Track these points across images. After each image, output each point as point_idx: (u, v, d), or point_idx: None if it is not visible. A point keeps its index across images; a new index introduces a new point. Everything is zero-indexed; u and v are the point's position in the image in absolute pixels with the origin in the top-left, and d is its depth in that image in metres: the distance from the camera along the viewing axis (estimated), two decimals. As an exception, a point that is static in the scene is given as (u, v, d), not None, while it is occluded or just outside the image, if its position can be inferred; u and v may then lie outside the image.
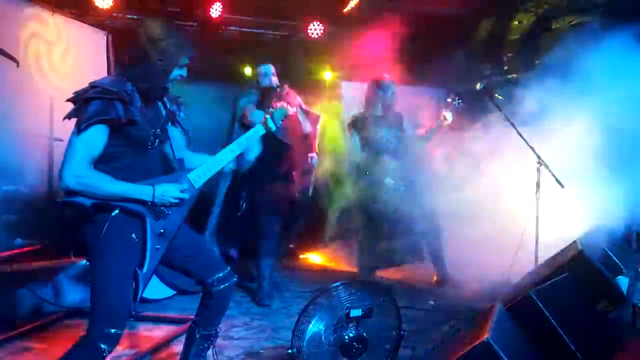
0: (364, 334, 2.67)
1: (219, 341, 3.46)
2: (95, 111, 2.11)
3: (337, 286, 2.70)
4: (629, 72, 3.79)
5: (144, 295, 4.14)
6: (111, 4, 4.91)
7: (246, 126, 4.05)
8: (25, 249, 3.90)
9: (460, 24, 5.28)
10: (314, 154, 4.70)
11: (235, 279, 2.60)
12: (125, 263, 2.18)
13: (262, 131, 2.71)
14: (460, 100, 4.60)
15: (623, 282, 3.65)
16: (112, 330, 2.12)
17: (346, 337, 2.65)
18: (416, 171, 4.50)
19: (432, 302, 4.09)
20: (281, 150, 4.38)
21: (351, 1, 5.49)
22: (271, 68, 4.49)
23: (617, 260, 3.66)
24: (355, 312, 2.64)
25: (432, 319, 3.78)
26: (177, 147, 2.43)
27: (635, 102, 3.78)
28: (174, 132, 2.46)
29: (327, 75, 6.37)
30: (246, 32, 5.81)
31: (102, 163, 2.19)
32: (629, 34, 3.75)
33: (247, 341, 3.55)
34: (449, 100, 4.60)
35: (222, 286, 2.51)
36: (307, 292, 4.54)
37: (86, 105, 2.12)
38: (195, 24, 5.54)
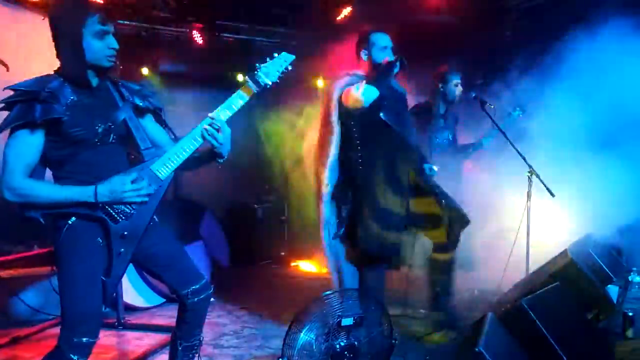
0: (355, 343, 2.67)
1: (209, 350, 3.48)
2: (13, 117, 1.99)
3: (328, 295, 2.69)
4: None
5: (133, 303, 4.23)
6: (103, 10, 4.89)
7: (348, 114, 3.20)
8: (14, 255, 3.85)
9: (452, 32, 5.30)
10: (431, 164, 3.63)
11: (211, 291, 2.45)
12: (90, 268, 2.08)
13: (244, 98, 2.26)
14: (521, 112, 4.26)
15: (613, 291, 3.67)
16: (84, 339, 2.03)
17: (337, 346, 2.64)
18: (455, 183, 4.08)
19: (422, 310, 4.06)
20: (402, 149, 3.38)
21: (344, 9, 5.51)
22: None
23: (607, 269, 3.68)
24: (347, 321, 2.63)
25: (423, 327, 3.76)
26: (142, 138, 2.22)
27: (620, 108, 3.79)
28: (143, 123, 2.30)
29: (319, 83, 6.37)
30: (239, 39, 5.81)
31: (55, 169, 2.11)
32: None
33: (237, 350, 3.52)
34: (510, 111, 4.29)
35: (196, 298, 2.36)
36: (299, 300, 4.51)
37: (10, 111, 2.02)
38: (188, 30, 5.53)
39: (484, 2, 5.12)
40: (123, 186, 2.08)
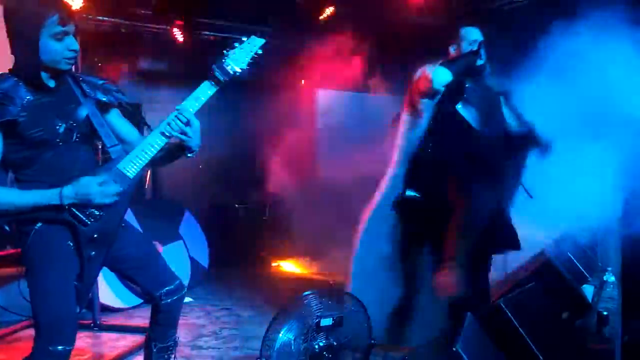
0: (334, 343, 2.66)
1: (187, 351, 3.44)
2: None
3: (307, 295, 2.68)
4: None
5: (109, 304, 4.17)
6: (81, 5, 4.80)
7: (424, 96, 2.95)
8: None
9: (436, 33, 5.34)
10: None
11: (185, 292, 2.39)
12: (61, 274, 2.01)
13: (212, 88, 2.14)
14: None
15: (588, 290, 3.73)
16: (59, 348, 1.96)
17: (316, 346, 2.63)
18: None
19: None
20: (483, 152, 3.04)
21: (327, 9, 5.50)
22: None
23: (582, 270, 3.74)
24: (326, 322, 2.62)
25: (401, 326, 3.77)
26: (107, 135, 2.11)
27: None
28: (109, 119, 2.21)
29: (302, 82, 6.37)
30: (220, 37, 5.77)
31: (17, 172, 2.02)
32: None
33: (215, 351, 3.49)
34: None
35: (170, 300, 2.30)
36: (279, 301, 4.50)
37: None
38: (168, 27, 5.48)
39: (467, 3, 5.14)
40: (89, 188, 1.97)
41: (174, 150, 2.20)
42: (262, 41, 2.19)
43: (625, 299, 3.93)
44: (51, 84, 2.06)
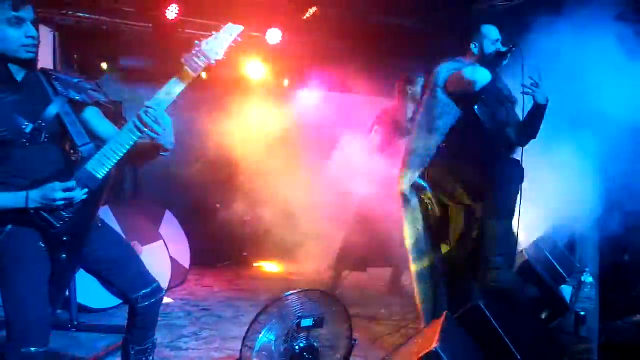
0: (315, 344, 2.66)
1: (166, 352, 3.41)
2: None
3: (288, 296, 2.67)
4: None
5: (88, 304, 4.11)
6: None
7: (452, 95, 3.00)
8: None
9: (417, 35, 5.37)
10: None
11: (163, 294, 2.36)
12: (34, 275, 1.98)
13: (183, 83, 2.04)
14: None
15: (566, 291, 3.77)
16: (32, 349, 1.94)
17: (297, 347, 2.62)
18: None
19: (382, 310, 4.10)
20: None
21: (310, 9, 5.49)
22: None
23: (561, 270, 3.79)
24: (307, 322, 2.62)
25: (384, 327, 3.79)
26: (79, 134, 2.06)
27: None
28: (85, 118, 2.15)
29: (284, 82, 6.35)
30: (203, 36, 5.72)
31: None
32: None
33: (195, 352, 3.46)
34: None
35: (147, 302, 2.27)
36: (260, 301, 4.48)
37: None
38: (151, 25, 5.41)
39: (454, 5, 5.15)
40: (54, 193, 1.92)
41: (148, 149, 2.14)
42: (240, 28, 2.09)
43: (602, 300, 4.01)
44: (19, 77, 2.00)
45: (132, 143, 2.02)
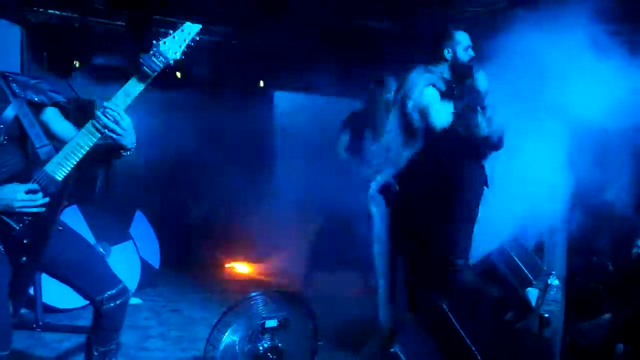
0: (279, 345, 2.66)
1: (132, 352, 3.38)
2: None
3: (254, 296, 2.68)
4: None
5: (53, 304, 4.04)
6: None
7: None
8: None
9: (391, 39, 5.40)
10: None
11: (129, 295, 2.34)
12: None
13: (141, 83, 2.02)
14: None
15: (532, 293, 3.83)
16: None
17: (260, 347, 2.63)
18: None
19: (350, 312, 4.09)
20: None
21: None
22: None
23: (527, 273, 3.84)
24: (271, 323, 2.62)
25: (351, 329, 3.80)
26: (37, 135, 2.04)
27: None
28: (44, 119, 2.14)
29: (260, 83, 6.33)
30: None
31: None
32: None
33: (161, 352, 3.45)
34: None
35: (112, 304, 2.23)
36: (230, 302, 4.46)
37: None
38: (123, 23, 5.36)
39: (429, 8, 5.18)
40: (14, 194, 1.92)
41: (110, 149, 2.12)
42: (197, 27, 2.09)
43: (568, 302, 4.08)
44: None
45: (90, 144, 2.00)
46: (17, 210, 1.94)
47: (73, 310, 4.21)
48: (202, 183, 5.76)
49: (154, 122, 4.91)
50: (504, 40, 3.34)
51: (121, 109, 2.00)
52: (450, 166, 3.07)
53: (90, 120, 2.00)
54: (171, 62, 2.05)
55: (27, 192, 1.94)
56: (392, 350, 1.99)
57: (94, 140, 2.00)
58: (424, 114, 3.00)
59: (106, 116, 1.98)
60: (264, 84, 6.29)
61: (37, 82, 2.16)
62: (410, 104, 3.07)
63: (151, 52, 2.02)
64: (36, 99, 2.10)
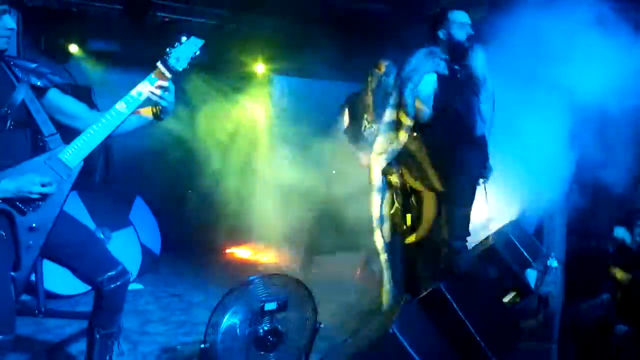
0: (279, 327, 2.67)
1: (134, 336, 3.41)
2: None
3: (253, 279, 2.68)
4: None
5: (55, 291, 4.06)
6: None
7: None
8: None
9: (389, 22, 5.35)
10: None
11: (129, 277, 2.38)
12: None
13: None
14: None
15: (532, 275, 3.85)
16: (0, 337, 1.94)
17: (261, 330, 2.63)
18: None
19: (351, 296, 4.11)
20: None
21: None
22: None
23: (526, 255, 3.85)
24: (270, 305, 2.63)
25: (351, 312, 3.82)
26: (44, 122, 2.08)
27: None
28: (48, 102, 2.17)
29: (259, 68, 6.30)
30: (175, 19, 5.64)
31: None
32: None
33: (163, 337, 3.47)
34: None
35: (112, 285, 2.29)
36: (230, 286, 4.48)
37: None
38: (121, 7, 5.31)
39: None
40: (32, 186, 1.97)
41: (143, 121, 2.27)
42: (201, 42, 2.22)
43: (567, 283, 4.10)
44: None
45: (105, 133, 2.09)
46: (30, 199, 1.98)
47: (74, 297, 4.24)
48: (202, 167, 5.75)
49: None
50: (503, 19, 3.30)
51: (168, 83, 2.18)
52: (448, 149, 3.06)
53: (110, 110, 2.11)
54: (180, 70, 2.20)
55: (44, 185, 1.99)
56: (390, 331, 1.99)
57: (110, 129, 2.10)
58: (422, 100, 2.99)
59: (159, 87, 2.16)
60: (264, 68, 6.26)
61: (36, 66, 2.17)
62: (409, 87, 3.05)
63: (167, 58, 2.18)
64: (39, 83, 2.12)
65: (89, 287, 4.21)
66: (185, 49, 2.18)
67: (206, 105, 5.51)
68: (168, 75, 2.16)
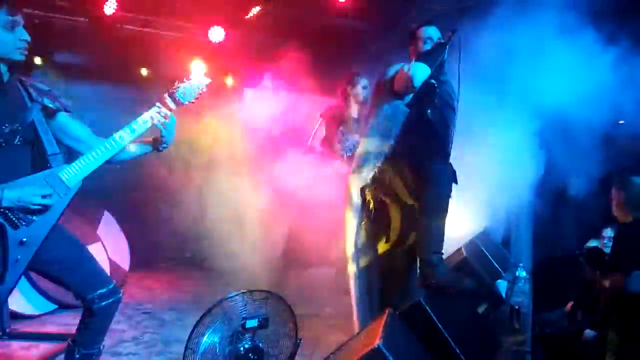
0: (260, 345, 2.65)
1: (106, 357, 3.28)
2: None
3: (232, 296, 2.65)
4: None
5: (20, 310, 3.92)
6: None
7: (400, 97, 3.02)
8: None
9: (362, 36, 5.43)
10: None
11: (120, 295, 2.39)
12: None
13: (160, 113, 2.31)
14: None
15: (502, 285, 3.94)
16: None
17: (241, 348, 2.61)
18: None
19: (328, 309, 4.10)
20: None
21: (254, 8, 5.45)
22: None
23: (496, 265, 3.93)
24: (251, 323, 2.61)
25: (329, 326, 3.82)
26: (50, 142, 2.17)
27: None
28: (57, 125, 2.25)
29: (228, 80, 6.27)
30: (143, 32, 5.57)
31: None
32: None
33: (135, 357, 3.38)
34: None
35: (104, 303, 2.30)
36: (204, 303, 4.40)
37: None
38: (87, 20, 5.21)
39: (396, 6, 5.21)
40: (33, 197, 2.02)
41: (143, 149, 2.38)
42: (208, 81, 2.38)
43: (535, 293, 4.21)
44: (5, 77, 2.09)
45: (106, 155, 2.18)
46: (27, 208, 2.02)
47: (40, 316, 4.09)
48: (172, 181, 5.66)
49: (121, 120, 4.78)
50: (472, 33, 3.36)
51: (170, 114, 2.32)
52: (422, 163, 3.10)
53: (115, 134, 2.20)
54: (186, 104, 2.35)
55: (44, 197, 2.04)
56: (375, 346, 2.00)
57: (111, 152, 2.19)
58: (399, 80, 2.93)
59: (160, 114, 2.29)
60: (233, 80, 6.25)
61: (50, 90, 2.27)
62: (387, 94, 3.03)
63: (174, 91, 2.32)
64: (51, 105, 2.21)
65: (54, 306, 4.15)
66: (193, 87, 2.33)
67: (180, 117, 5.44)
68: (172, 107, 2.31)
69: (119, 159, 2.31)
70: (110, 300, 2.32)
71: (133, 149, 2.36)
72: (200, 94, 2.37)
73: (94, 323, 2.33)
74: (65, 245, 2.26)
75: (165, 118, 2.28)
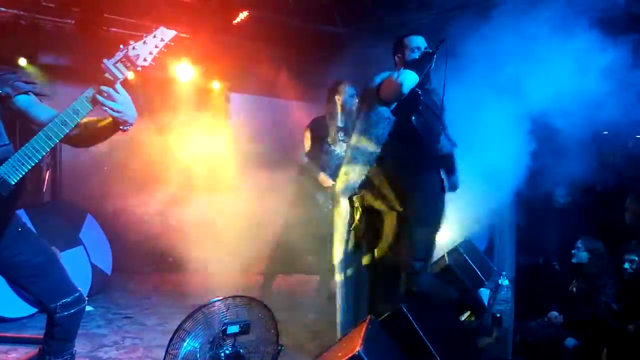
0: (241, 351, 2.64)
1: (85, 363, 3.26)
2: None
3: (214, 302, 2.63)
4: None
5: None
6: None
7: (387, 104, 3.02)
8: None
9: (347, 42, 5.46)
10: None
11: (84, 305, 2.30)
12: None
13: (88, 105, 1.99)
14: None
15: (485, 294, 3.96)
16: None
17: (222, 354, 2.59)
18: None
19: (310, 316, 4.09)
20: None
21: (241, 13, 5.45)
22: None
23: (479, 274, 3.96)
24: (232, 329, 2.59)
25: (311, 333, 3.81)
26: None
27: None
28: (22, 107, 2.07)
29: (214, 85, 6.26)
30: (129, 35, 5.54)
31: None
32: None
33: (117, 362, 3.35)
34: None
35: (66, 313, 2.20)
36: (186, 308, 4.37)
37: None
38: (73, 22, 5.18)
39: (385, 15, 5.23)
40: None
41: (106, 128, 2.07)
42: (172, 33, 2.03)
43: (517, 301, 4.23)
44: None
45: (47, 148, 1.97)
46: None
47: (19, 320, 4.04)
48: (155, 185, 5.62)
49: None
50: (459, 41, 3.38)
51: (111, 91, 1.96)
52: (407, 169, 3.11)
53: (51, 124, 1.95)
54: (138, 68, 1.99)
55: None
56: (356, 353, 2.00)
57: (51, 145, 1.96)
58: (387, 86, 2.95)
59: (103, 95, 1.95)
60: (220, 85, 6.24)
61: (2, 74, 2.06)
62: (373, 100, 3.04)
63: (116, 56, 1.97)
64: (1, 92, 2.02)
65: (34, 310, 4.09)
66: (148, 45, 2.00)
67: (160, 122, 5.42)
68: (119, 76, 1.97)
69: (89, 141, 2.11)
70: (73, 310, 2.22)
71: (94, 131, 2.08)
72: (163, 51, 2.00)
73: (58, 332, 2.24)
74: (32, 252, 2.17)
75: (109, 98, 1.96)
